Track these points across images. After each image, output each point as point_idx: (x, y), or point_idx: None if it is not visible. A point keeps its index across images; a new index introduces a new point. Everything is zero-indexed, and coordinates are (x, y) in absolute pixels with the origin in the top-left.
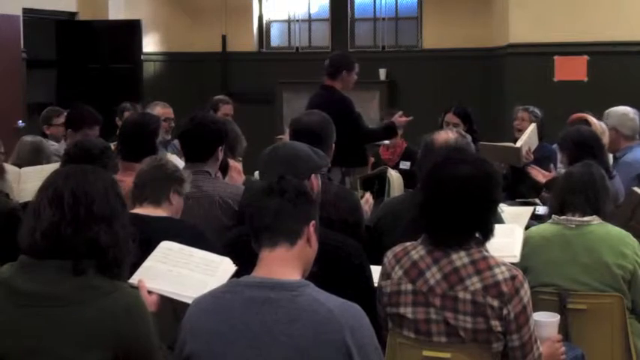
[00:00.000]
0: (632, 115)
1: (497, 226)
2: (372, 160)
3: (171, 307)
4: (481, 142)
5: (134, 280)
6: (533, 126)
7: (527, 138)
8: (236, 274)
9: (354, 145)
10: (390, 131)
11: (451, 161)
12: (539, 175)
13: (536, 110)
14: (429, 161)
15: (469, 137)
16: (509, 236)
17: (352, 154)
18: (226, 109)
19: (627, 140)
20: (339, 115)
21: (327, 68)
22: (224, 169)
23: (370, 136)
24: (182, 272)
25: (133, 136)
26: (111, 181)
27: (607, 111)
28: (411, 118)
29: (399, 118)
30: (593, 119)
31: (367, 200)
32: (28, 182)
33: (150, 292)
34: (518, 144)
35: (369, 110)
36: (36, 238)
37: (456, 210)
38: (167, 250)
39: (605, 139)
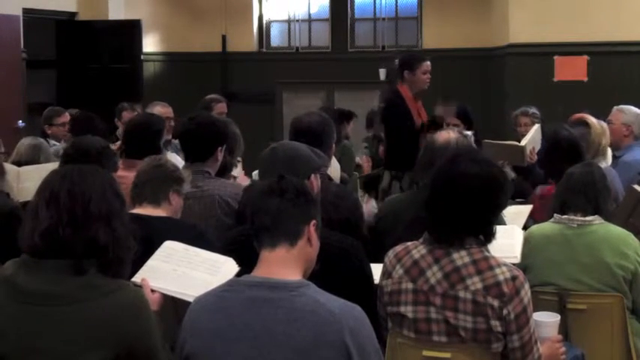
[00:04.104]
0: None
1: (498, 228)
2: (370, 161)
3: (173, 306)
4: (485, 140)
5: (137, 278)
6: (537, 126)
7: (532, 137)
8: (237, 274)
9: (404, 149)
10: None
11: (462, 159)
12: None
13: (535, 111)
14: (430, 160)
15: (470, 137)
16: (509, 237)
17: (403, 158)
18: (220, 108)
19: (633, 139)
20: (385, 116)
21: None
22: (224, 170)
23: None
24: (185, 272)
25: (137, 135)
26: (109, 180)
27: (619, 107)
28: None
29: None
30: (592, 119)
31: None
32: (27, 181)
33: (153, 291)
34: (523, 142)
35: (369, 110)
36: (35, 239)
37: (461, 207)
38: (171, 249)
39: (604, 140)
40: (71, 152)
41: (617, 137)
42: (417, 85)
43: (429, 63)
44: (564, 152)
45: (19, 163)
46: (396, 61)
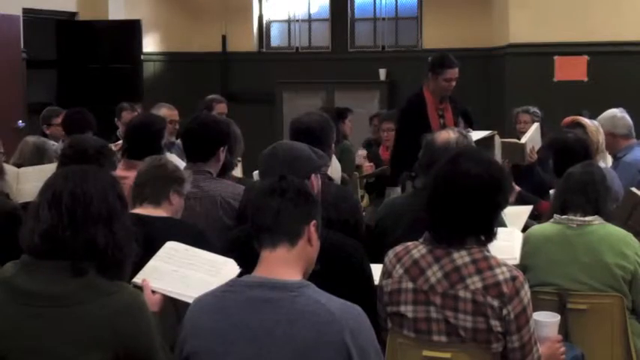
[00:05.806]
0: (620, 115)
1: (498, 229)
2: (370, 164)
3: (173, 307)
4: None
5: (138, 279)
6: (536, 125)
7: (531, 136)
8: (238, 275)
9: (418, 150)
10: None
11: (463, 159)
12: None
13: (536, 110)
14: (429, 161)
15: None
16: (509, 239)
17: (416, 159)
18: (220, 108)
19: (625, 139)
20: (401, 116)
21: None
22: (224, 170)
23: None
24: (186, 273)
25: (138, 135)
26: (111, 182)
27: (597, 119)
28: None
29: None
30: (585, 121)
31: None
32: (26, 182)
33: (153, 292)
34: (523, 140)
35: (369, 110)
36: (35, 239)
37: (462, 207)
38: (172, 250)
39: (601, 138)
40: (69, 152)
41: (611, 145)
42: (438, 90)
43: (455, 70)
44: (577, 154)
45: (21, 166)
46: (429, 58)
